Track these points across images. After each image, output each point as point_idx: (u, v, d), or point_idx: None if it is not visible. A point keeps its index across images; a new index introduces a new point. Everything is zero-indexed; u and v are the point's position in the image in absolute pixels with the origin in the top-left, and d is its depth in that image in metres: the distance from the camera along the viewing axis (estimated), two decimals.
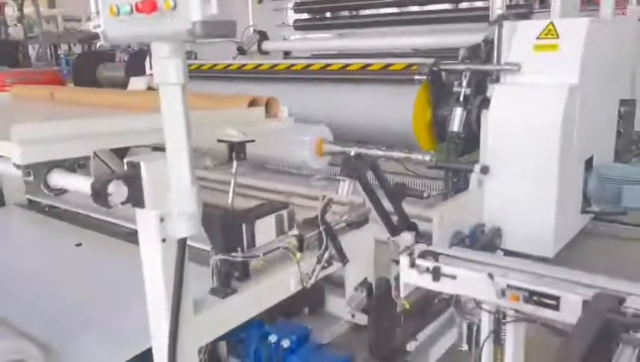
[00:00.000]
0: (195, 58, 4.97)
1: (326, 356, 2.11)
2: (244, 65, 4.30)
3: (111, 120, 1.86)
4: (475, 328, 2.01)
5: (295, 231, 2.19)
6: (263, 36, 5.21)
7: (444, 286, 1.98)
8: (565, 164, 2.98)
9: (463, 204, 3.08)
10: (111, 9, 1.41)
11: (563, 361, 1.26)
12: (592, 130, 3.28)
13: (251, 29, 5.30)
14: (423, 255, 2.08)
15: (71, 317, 2.12)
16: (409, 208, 2.80)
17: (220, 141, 2.12)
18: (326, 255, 2.23)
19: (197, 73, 4.43)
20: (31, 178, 1.60)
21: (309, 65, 3.94)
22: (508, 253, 2.95)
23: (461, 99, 3.26)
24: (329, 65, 3.84)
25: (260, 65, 4.20)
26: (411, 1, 4.73)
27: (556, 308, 1.71)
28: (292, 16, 5.66)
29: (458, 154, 3.33)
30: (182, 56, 1.47)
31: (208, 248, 2.04)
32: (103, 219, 3.18)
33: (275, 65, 4.14)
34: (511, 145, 3.04)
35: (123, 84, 5.66)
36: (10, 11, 12.30)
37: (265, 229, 2.11)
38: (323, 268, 2.22)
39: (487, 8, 3.52)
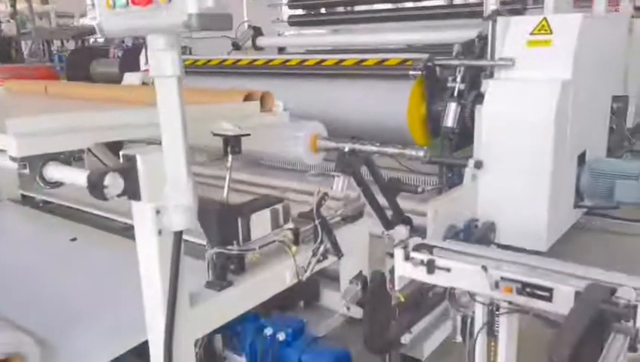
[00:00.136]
0: (190, 53, 4.97)
1: (321, 349, 2.12)
2: (239, 60, 4.31)
3: (107, 113, 1.86)
4: (468, 320, 2.03)
5: (290, 225, 2.20)
6: (257, 32, 5.21)
7: (439, 279, 1.99)
8: (558, 158, 3.01)
9: (457, 199, 3.10)
10: (107, 2, 1.41)
11: (556, 349, 1.28)
12: (584, 125, 3.31)
13: (246, 24, 5.31)
14: (418, 248, 2.09)
15: (66, 311, 2.11)
16: (403, 203, 2.82)
17: (215, 135, 2.13)
18: (321, 248, 2.24)
19: (192, 68, 4.42)
20: (27, 171, 1.61)
21: (303, 61, 3.95)
22: (501, 247, 2.97)
23: (455, 94, 3.28)
24: (324, 60, 3.85)
25: (254, 60, 4.21)
26: None
27: (549, 299, 1.73)
28: (286, 12, 5.67)
29: (452, 149, 3.35)
30: (178, 48, 1.48)
31: (204, 242, 2.05)
32: (97, 214, 3.17)
33: (270, 60, 4.15)
34: (504, 140, 3.06)
35: (117, 80, 5.64)
36: (3, 7, 12.23)
37: (260, 223, 2.12)
38: (318, 261, 2.23)
39: (481, 4, 3.54)
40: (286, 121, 2.51)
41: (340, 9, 5.38)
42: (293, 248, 2.16)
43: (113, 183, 1.51)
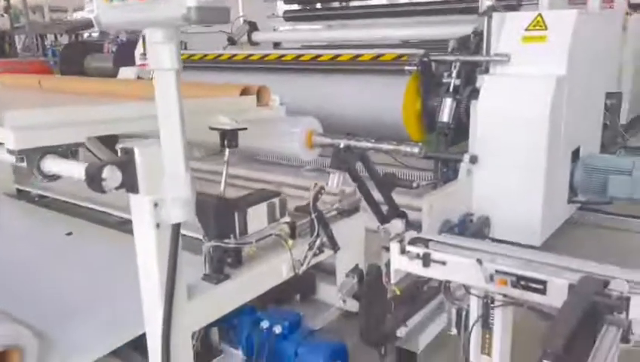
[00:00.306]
0: (185, 48, 4.96)
1: (318, 342, 2.13)
2: (235, 55, 4.30)
3: (105, 107, 1.86)
4: (464, 313, 2.05)
5: (287, 219, 2.21)
6: (252, 27, 5.20)
7: (434, 272, 2.01)
8: (553, 154, 3.03)
9: (452, 194, 3.12)
10: None
11: (550, 341, 1.30)
12: (578, 121, 3.33)
13: (241, 19, 5.30)
14: (413, 241, 2.11)
15: (63, 305, 2.12)
16: (399, 198, 2.83)
17: (212, 129, 2.14)
18: (317, 242, 2.25)
19: (188, 63, 4.42)
20: (24, 164, 1.61)
21: (299, 56, 3.95)
22: (496, 241, 3.00)
23: (451, 89, 3.29)
24: (319, 55, 3.85)
25: (250, 55, 4.21)
26: None
27: (543, 292, 1.75)
28: (282, 7, 5.66)
29: (447, 144, 3.37)
30: (176, 41, 1.48)
31: (200, 236, 2.06)
32: (92, 208, 3.17)
33: (266, 55, 4.15)
34: (499, 135, 3.08)
35: (111, 75, 5.62)
36: None
37: (257, 217, 2.13)
38: (315, 255, 2.25)
39: (476, 0, 3.55)
40: (282, 116, 2.52)
41: (336, 4, 5.38)
42: (290, 242, 2.17)
43: (111, 176, 1.51)
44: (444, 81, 3.38)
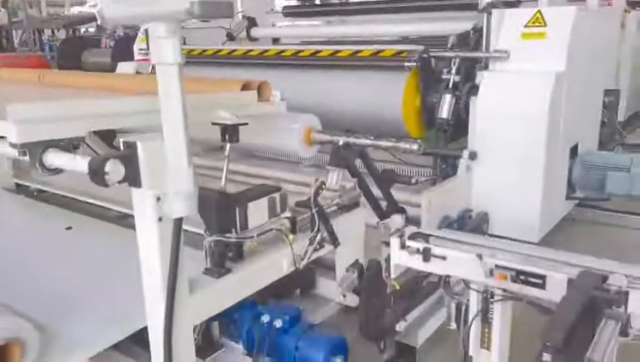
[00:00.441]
0: (184, 43, 4.95)
1: (318, 336, 2.14)
2: (234, 50, 4.30)
3: (107, 101, 1.87)
4: (463, 307, 2.06)
5: (288, 214, 2.22)
6: (251, 22, 5.20)
7: (434, 267, 2.02)
8: (551, 150, 3.05)
9: (451, 190, 3.13)
10: None
11: (550, 334, 1.31)
12: (577, 117, 3.34)
13: (240, 15, 5.29)
14: (413, 236, 2.12)
15: (64, 299, 2.12)
16: (398, 194, 2.85)
17: (213, 124, 2.14)
18: (318, 237, 2.26)
19: (187, 58, 4.39)
20: (27, 157, 1.61)
21: (298, 52, 3.95)
22: (494, 237, 3.01)
23: (450, 86, 3.30)
24: (319, 51, 3.85)
25: (249, 50, 4.21)
26: None
27: (542, 286, 1.76)
28: (281, 3, 5.66)
29: (447, 140, 3.38)
30: (178, 35, 1.48)
31: (201, 231, 2.06)
32: (91, 203, 3.17)
33: (265, 50, 4.15)
34: (499, 131, 3.09)
35: (109, 70, 5.61)
36: None
37: (258, 211, 2.14)
38: (315, 250, 2.26)
39: None
40: (283, 111, 2.52)
41: (335, 0, 5.39)
42: (291, 236, 2.18)
43: (114, 170, 1.51)
44: (444, 77, 3.38)
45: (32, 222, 3.11)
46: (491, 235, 3.07)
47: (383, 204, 2.83)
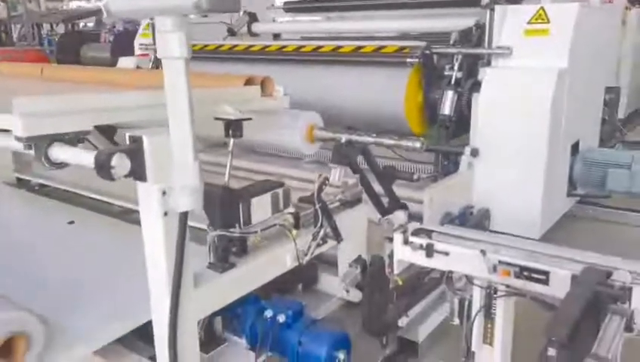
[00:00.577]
0: None
1: (321, 330, 2.15)
2: (236, 45, 4.29)
3: (113, 95, 1.86)
4: (466, 303, 2.07)
5: (291, 209, 2.23)
6: (252, 18, 5.18)
7: (437, 263, 2.03)
8: (553, 147, 3.05)
9: (453, 186, 3.13)
10: None
11: (555, 329, 1.32)
12: (579, 114, 3.35)
13: (241, 10, 5.27)
14: (416, 232, 2.13)
15: (67, 292, 2.12)
16: (400, 191, 2.84)
17: (216, 119, 2.14)
18: (321, 232, 2.26)
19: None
20: (32, 151, 1.61)
21: (300, 47, 3.94)
22: (496, 233, 3.02)
23: (452, 82, 3.30)
24: (321, 47, 3.84)
25: (251, 46, 4.20)
26: None
27: (545, 282, 1.77)
28: None
29: (449, 137, 3.38)
30: (185, 29, 1.48)
31: (203, 226, 2.06)
32: (93, 198, 3.17)
33: (267, 46, 4.14)
34: (501, 127, 3.09)
35: (108, 65, 5.60)
36: None
37: (261, 207, 2.14)
38: (318, 245, 2.26)
39: None
40: (286, 106, 2.52)
41: None
42: (294, 232, 2.18)
43: (120, 164, 1.51)
44: (446, 73, 3.38)
45: (35, 217, 3.10)
46: (492, 232, 3.07)
47: (385, 200, 2.83)
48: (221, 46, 4.38)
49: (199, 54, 4.41)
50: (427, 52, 3.39)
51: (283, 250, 2.17)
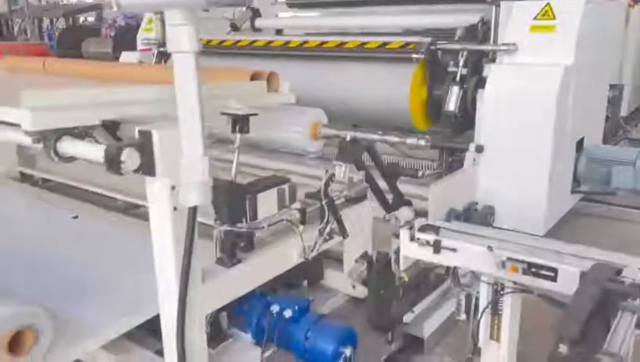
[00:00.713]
0: None
1: (328, 326, 2.15)
2: (239, 41, 4.27)
3: (121, 89, 1.85)
4: (473, 299, 2.07)
5: (298, 205, 2.22)
6: (255, 13, 5.16)
7: (444, 259, 2.02)
8: (558, 144, 3.03)
9: (458, 182, 3.11)
10: None
11: (566, 326, 1.31)
12: (584, 112, 3.33)
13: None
14: (423, 229, 2.13)
15: (73, 287, 2.12)
16: (404, 187, 2.84)
17: (223, 114, 2.13)
18: (327, 228, 2.26)
19: None
20: (40, 145, 1.60)
21: (304, 42, 3.92)
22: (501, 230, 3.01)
23: (457, 78, 3.29)
24: (325, 42, 3.83)
25: (255, 41, 4.18)
26: None
27: (554, 279, 1.77)
28: None
29: (453, 133, 3.37)
30: (195, 23, 1.48)
31: (208, 222, 2.06)
32: (96, 192, 3.17)
33: (271, 41, 4.12)
34: (506, 124, 3.07)
35: (109, 60, 5.57)
36: None
37: (267, 202, 2.14)
38: (324, 241, 2.26)
39: None
40: (293, 102, 2.51)
41: None
42: (301, 227, 2.18)
43: (130, 158, 1.51)
44: (450, 70, 3.36)
45: (39, 211, 3.09)
46: (496, 228, 3.06)
47: (389, 197, 2.82)
48: (224, 41, 4.35)
49: (203, 49, 4.38)
50: (433, 48, 3.38)
51: (290, 245, 2.17)
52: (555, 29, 3.02)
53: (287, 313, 2.12)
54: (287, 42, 4.01)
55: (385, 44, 3.55)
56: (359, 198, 2.60)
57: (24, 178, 3.59)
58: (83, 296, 2.05)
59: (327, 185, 2.25)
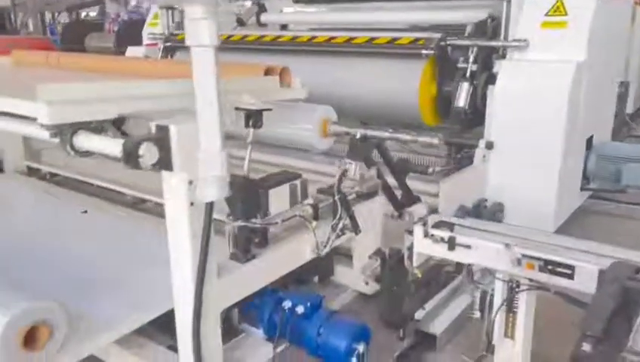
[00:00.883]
0: None
1: (341, 322, 2.14)
2: (246, 36, 4.26)
3: (137, 83, 1.84)
4: (488, 296, 2.06)
5: (310, 201, 2.21)
6: (261, 8, 5.14)
7: (459, 256, 2.01)
8: (569, 141, 3.03)
9: (468, 179, 3.11)
10: None
11: (590, 324, 1.31)
12: (594, 109, 3.32)
13: (250, 1, 5.23)
14: (437, 225, 2.12)
15: (85, 282, 2.11)
16: (413, 184, 2.83)
17: (237, 109, 2.12)
18: (340, 224, 2.25)
19: None
20: (57, 139, 1.59)
21: (313, 38, 3.90)
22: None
23: (467, 74, 3.27)
24: (333, 37, 3.81)
25: (262, 36, 4.16)
26: None
27: (571, 277, 1.76)
28: None
29: (463, 129, 3.35)
30: (215, 17, 1.46)
31: (222, 218, 2.05)
32: (104, 187, 3.16)
33: (278, 36, 4.10)
34: (516, 121, 3.06)
35: (113, 54, 5.54)
36: None
37: (279, 198, 2.13)
38: (337, 236, 2.25)
39: None
40: (305, 97, 2.50)
41: None
42: (314, 223, 2.17)
43: (148, 153, 1.50)
44: (460, 66, 3.35)
45: (48, 205, 3.08)
46: (510, 225, 3.05)
47: (398, 193, 2.81)
48: (231, 36, 4.33)
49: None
50: (442, 44, 3.36)
51: (302, 241, 2.17)
52: (567, 25, 3.00)
53: (300, 309, 2.11)
54: (295, 37, 3.99)
55: (394, 39, 3.53)
56: (370, 194, 2.59)
57: (31, 172, 3.58)
58: (95, 291, 2.04)
59: (340, 180, 2.24)
